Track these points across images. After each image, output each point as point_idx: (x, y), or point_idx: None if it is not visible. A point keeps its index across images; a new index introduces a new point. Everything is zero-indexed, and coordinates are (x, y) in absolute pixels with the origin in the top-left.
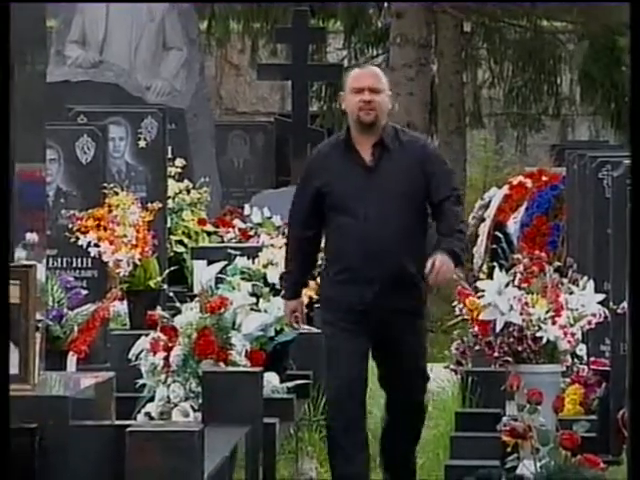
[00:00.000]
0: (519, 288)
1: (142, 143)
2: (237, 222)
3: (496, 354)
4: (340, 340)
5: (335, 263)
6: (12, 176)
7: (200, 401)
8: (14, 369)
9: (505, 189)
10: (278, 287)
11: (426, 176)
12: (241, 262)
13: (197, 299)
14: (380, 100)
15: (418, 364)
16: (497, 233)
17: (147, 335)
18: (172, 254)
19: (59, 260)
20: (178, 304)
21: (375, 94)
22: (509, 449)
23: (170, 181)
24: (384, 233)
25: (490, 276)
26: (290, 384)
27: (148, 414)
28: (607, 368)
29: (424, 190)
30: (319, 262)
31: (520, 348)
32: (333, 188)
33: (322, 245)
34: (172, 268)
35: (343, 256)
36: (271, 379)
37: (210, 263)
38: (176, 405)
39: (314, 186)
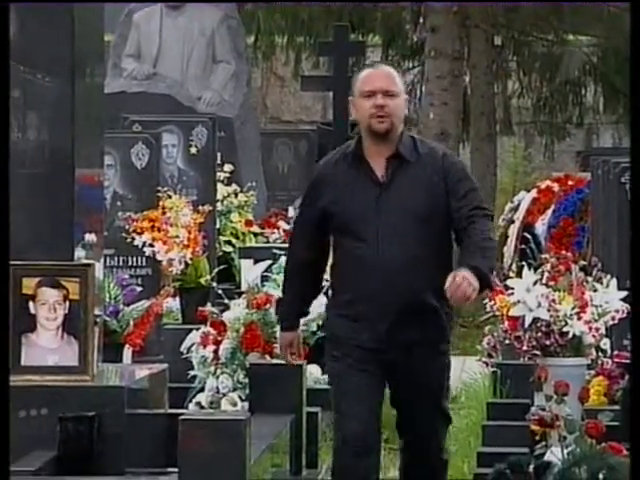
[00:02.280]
0: (547, 286)
1: (193, 150)
2: (282, 223)
3: (525, 348)
4: (350, 383)
5: (342, 294)
6: (73, 181)
7: (247, 391)
8: (74, 361)
9: (533, 193)
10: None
11: (448, 192)
12: None
13: (244, 296)
14: (395, 105)
15: (439, 406)
16: (526, 234)
17: (198, 329)
18: (221, 254)
19: (116, 259)
20: (226, 300)
21: (389, 98)
22: (538, 437)
23: (219, 185)
24: (399, 259)
25: (519, 275)
26: None
27: (199, 403)
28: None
29: (446, 209)
30: (323, 291)
31: (548, 342)
32: (341, 207)
33: (327, 272)
34: (221, 267)
35: (351, 286)
36: (313, 371)
37: (256, 262)
38: (225, 395)
39: (319, 205)
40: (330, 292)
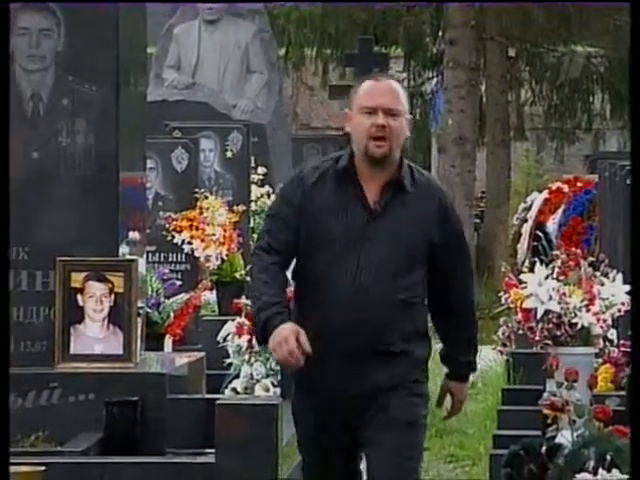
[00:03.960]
0: (557, 280)
1: (229, 154)
2: None
3: (537, 338)
4: (316, 454)
5: (307, 326)
6: (117, 183)
7: (279, 378)
8: (119, 350)
9: (545, 193)
10: None
11: (438, 236)
12: None
13: None
14: (397, 126)
15: (407, 470)
16: (538, 232)
17: (233, 320)
18: None
19: (157, 255)
20: None
21: (392, 118)
22: (549, 421)
23: (253, 187)
24: (378, 295)
25: (532, 270)
26: None
27: (234, 389)
28: None
29: (435, 247)
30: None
31: (558, 333)
32: (321, 227)
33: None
34: None
35: (320, 318)
36: None
37: None
38: (258, 381)
39: (297, 213)
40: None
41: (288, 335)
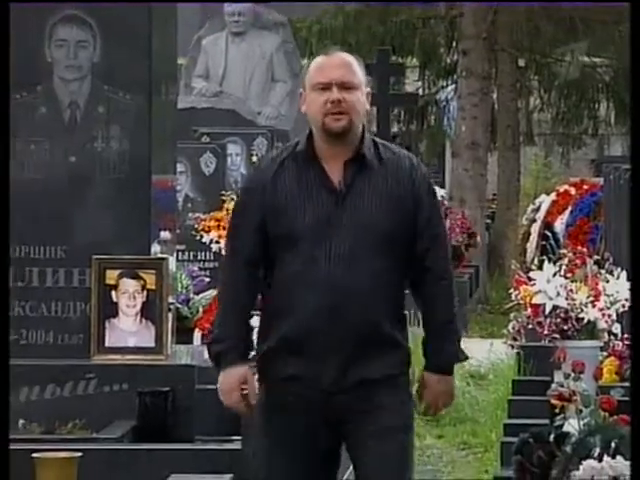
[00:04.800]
0: (565, 277)
1: (254, 158)
2: None
3: (546, 332)
4: (285, 460)
5: (280, 323)
6: (149, 185)
7: None
8: (151, 343)
9: (553, 196)
10: None
11: (414, 210)
12: None
13: None
14: (354, 99)
15: (402, 448)
16: (546, 232)
17: (258, 315)
18: None
19: (187, 254)
20: None
21: (347, 92)
22: (557, 410)
23: None
24: (354, 283)
25: (540, 268)
26: None
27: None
28: None
29: (411, 228)
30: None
31: (566, 327)
32: (286, 218)
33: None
34: None
35: (293, 314)
36: None
37: None
38: None
39: (257, 213)
40: (261, 322)
41: (232, 388)
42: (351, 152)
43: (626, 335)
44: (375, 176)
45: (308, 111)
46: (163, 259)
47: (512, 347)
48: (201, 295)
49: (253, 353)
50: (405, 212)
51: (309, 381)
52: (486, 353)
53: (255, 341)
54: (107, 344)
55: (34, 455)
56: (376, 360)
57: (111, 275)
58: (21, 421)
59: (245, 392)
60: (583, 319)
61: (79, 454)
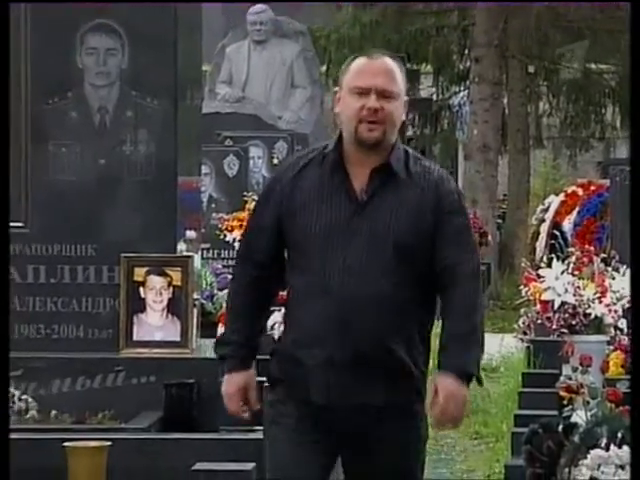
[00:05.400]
0: (572, 275)
1: (275, 160)
2: None
3: (554, 327)
4: (283, 458)
5: (290, 331)
6: (175, 187)
7: None
8: (177, 337)
9: (561, 196)
10: None
11: (435, 228)
12: None
13: None
14: (392, 110)
15: None
16: (555, 231)
17: (279, 311)
18: None
19: (211, 252)
20: None
21: (386, 100)
22: (565, 402)
23: None
24: (366, 297)
25: (549, 265)
26: None
27: None
28: None
29: (432, 243)
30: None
31: (573, 322)
32: (302, 221)
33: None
34: None
35: (302, 323)
36: None
37: None
38: None
39: (275, 213)
40: (282, 329)
41: (233, 394)
42: (380, 161)
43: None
44: (400, 188)
45: (342, 114)
46: (188, 257)
47: (522, 341)
48: (225, 291)
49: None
50: (427, 228)
51: (311, 393)
52: (497, 347)
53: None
54: (135, 338)
55: (66, 444)
56: (382, 384)
57: (139, 272)
58: (53, 412)
59: (245, 402)
60: (590, 314)
61: (108, 443)
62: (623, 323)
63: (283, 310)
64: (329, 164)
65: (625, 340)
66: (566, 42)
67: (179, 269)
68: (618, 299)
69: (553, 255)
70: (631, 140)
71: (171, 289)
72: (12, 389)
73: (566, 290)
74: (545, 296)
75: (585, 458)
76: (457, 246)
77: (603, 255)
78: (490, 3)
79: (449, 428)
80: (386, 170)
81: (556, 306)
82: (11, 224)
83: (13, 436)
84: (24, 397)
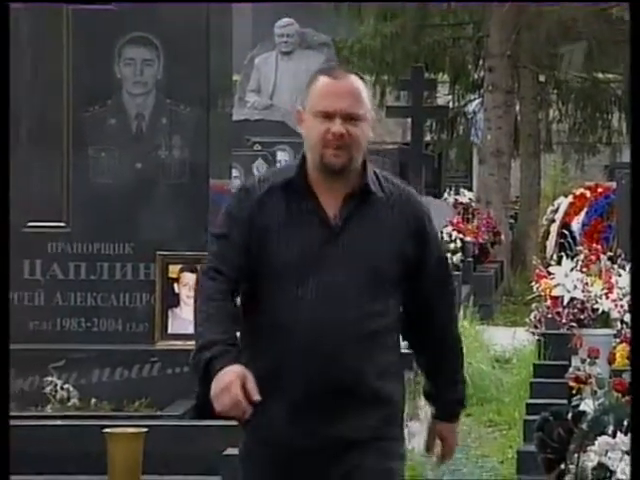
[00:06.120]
0: (581, 272)
1: None
2: None
3: (564, 321)
4: None
5: (259, 369)
6: (207, 189)
7: None
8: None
9: (570, 198)
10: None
11: (412, 255)
12: None
13: None
14: (358, 134)
15: None
16: (564, 231)
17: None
18: None
19: None
20: None
21: (351, 124)
22: (574, 392)
23: None
24: (342, 328)
25: (559, 263)
26: None
27: None
28: None
29: (413, 268)
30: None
31: (582, 316)
32: (268, 249)
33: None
34: None
35: (272, 359)
36: None
37: None
38: None
39: (239, 238)
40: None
41: (232, 381)
42: (349, 185)
43: None
44: (377, 211)
45: (307, 138)
46: None
47: (534, 334)
48: None
49: None
50: (408, 253)
51: (275, 435)
52: (510, 340)
53: None
54: (170, 331)
55: (105, 430)
56: (358, 417)
57: (173, 269)
58: (93, 400)
59: (244, 390)
60: (598, 309)
61: (145, 429)
62: (629, 317)
63: (241, 344)
64: (296, 190)
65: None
66: (567, 44)
67: None
68: (624, 295)
69: (563, 253)
70: (631, 140)
71: None
72: (55, 378)
73: (575, 286)
74: (555, 292)
75: (593, 444)
76: (436, 273)
77: (610, 253)
78: (503, 16)
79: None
80: (361, 193)
81: (565, 301)
82: (54, 224)
83: (56, 423)
84: (66, 386)
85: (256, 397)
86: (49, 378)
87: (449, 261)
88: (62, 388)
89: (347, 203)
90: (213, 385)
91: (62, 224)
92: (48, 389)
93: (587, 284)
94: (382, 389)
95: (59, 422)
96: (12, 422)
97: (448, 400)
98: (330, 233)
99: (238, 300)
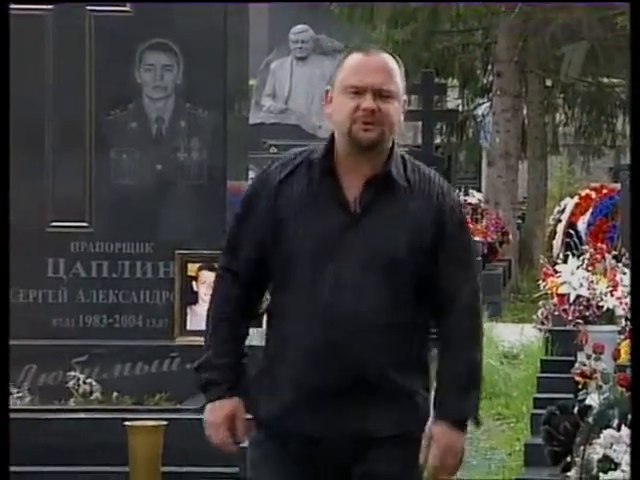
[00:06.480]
0: (586, 270)
1: None
2: None
3: (570, 318)
4: None
5: (276, 360)
6: (225, 190)
7: None
8: None
9: (576, 199)
10: None
11: (437, 243)
12: None
13: None
14: (390, 111)
15: None
16: (570, 230)
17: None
18: None
19: None
20: None
21: (382, 100)
22: (580, 386)
23: None
24: (359, 318)
25: (565, 262)
26: None
27: None
28: None
29: (434, 259)
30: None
31: (587, 313)
32: (289, 235)
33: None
34: None
35: (285, 348)
36: None
37: None
38: None
39: (258, 226)
40: (263, 356)
41: (218, 425)
42: (376, 168)
43: None
44: (399, 199)
45: (334, 115)
46: None
47: (541, 331)
48: None
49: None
50: (428, 244)
51: (301, 429)
52: (518, 336)
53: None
54: (188, 327)
55: (126, 423)
56: (378, 413)
57: (192, 268)
58: (115, 394)
59: (232, 432)
60: (603, 307)
61: (165, 422)
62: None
63: (264, 331)
64: (318, 171)
65: None
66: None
67: None
68: (628, 293)
69: (569, 252)
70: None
71: None
72: (78, 373)
73: (581, 284)
74: (561, 290)
75: (598, 437)
76: (459, 268)
77: (614, 252)
78: (510, 23)
79: (445, 478)
80: (383, 179)
81: (572, 299)
82: (77, 224)
83: (79, 416)
84: (89, 381)
85: (241, 440)
86: (72, 373)
87: (473, 254)
88: (85, 382)
89: (368, 189)
90: (205, 414)
91: (85, 224)
92: (71, 383)
93: (592, 282)
94: (401, 382)
95: (82, 415)
96: (36, 415)
97: (447, 401)
98: (350, 219)
99: (254, 292)
